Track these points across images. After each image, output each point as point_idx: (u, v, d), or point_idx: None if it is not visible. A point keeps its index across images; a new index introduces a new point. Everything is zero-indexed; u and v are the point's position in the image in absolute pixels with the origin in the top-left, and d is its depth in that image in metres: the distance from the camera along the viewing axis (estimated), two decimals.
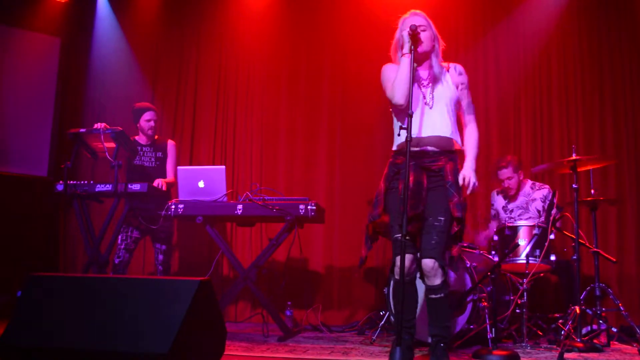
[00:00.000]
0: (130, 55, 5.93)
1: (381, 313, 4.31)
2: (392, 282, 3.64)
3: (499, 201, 4.67)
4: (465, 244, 4.11)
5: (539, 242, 3.88)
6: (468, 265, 3.73)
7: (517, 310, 3.85)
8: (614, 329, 3.86)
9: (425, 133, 2.89)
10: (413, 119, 2.71)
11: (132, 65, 5.92)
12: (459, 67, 3.05)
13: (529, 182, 4.60)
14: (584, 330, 3.71)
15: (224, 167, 4.32)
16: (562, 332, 3.57)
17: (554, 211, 3.91)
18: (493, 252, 4.12)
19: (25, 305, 2.43)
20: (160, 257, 4.56)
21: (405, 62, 2.82)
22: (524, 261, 3.88)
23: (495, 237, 4.09)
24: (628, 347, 3.78)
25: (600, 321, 3.82)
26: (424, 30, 2.91)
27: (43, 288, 2.47)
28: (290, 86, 5.72)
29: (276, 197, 4.23)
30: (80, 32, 6.00)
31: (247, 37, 5.83)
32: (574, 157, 3.81)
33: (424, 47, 2.91)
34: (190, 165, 5.57)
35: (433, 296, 2.82)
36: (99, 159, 4.24)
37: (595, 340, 3.66)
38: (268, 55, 5.77)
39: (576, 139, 5.11)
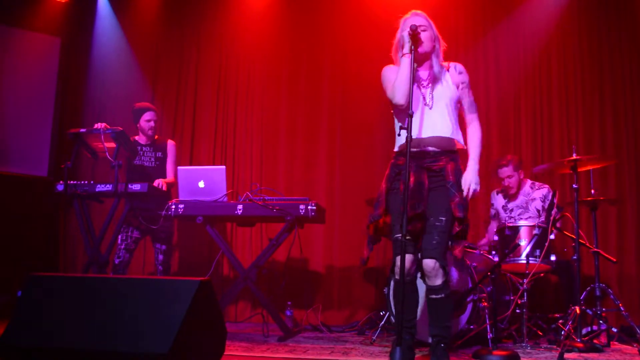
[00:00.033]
0: (130, 55, 5.93)
1: (381, 313, 4.30)
2: (392, 282, 3.64)
3: (498, 201, 4.67)
4: (466, 244, 4.11)
5: (539, 242, 3.88)
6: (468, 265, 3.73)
7: (517, 311, 3.85)
8: (614, 329, 3.86)
9: (425, 134, 2.89)
10: (413, 120, 2.71)
11: (132, 65, 5.92)
12: (459, 66, 3.04)
13: (529, 182, 4.60)
14: (584, 331, 3.71)
15: (224, 167, 4.32)
16: (562, 332, 3.57)
17: (554, 211, 3.91)
18: (493, 252, 4.12)
19: (25, 305, 2.43)
20: (160, 257, 4.56)
21: (406, 62, 2.82)
22: (524, 261, 3.88)
23: (496, 237, 4.09)
24: (628, 347, 3.78)
25: (601, 321, 3.82)
26: (424, 31, 2.91)
27: (43, 288, 2.47)
28: (290, 86, 5.72)
29: (276, 197, 4.22)
30: (80, 32, 6.00)
31: (247, 37, 5.83)
32: (574, 157, 3.81)
33: (424, 47, 2.91)
34: (191, 165, 5.57)
35: (434, 296, 2.81)
36: (99, 159, 4.24)
37: (595, 341, 3.66)
38: (268, 55, 5.77)
39: (576, 139, 5.11)
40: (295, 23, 5.75)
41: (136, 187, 3.95)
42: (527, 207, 4.51)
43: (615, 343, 3.89)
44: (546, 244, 3.83)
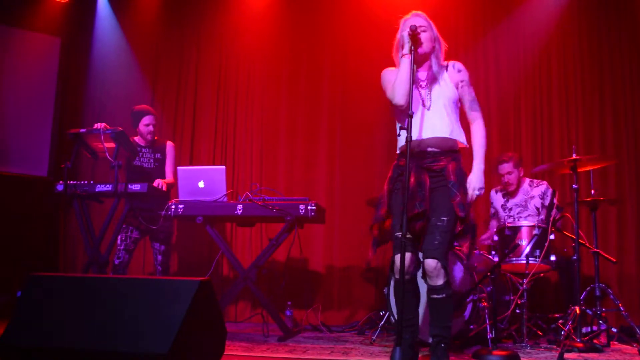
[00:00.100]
0: (130, 55, 5.93)
1: (381, 313, 4.30)
2: (392, 281, 3.64)
3: (497, 200, 4.67)
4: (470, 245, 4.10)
5: (539, 242, 3.88)
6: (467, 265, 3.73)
7: (517, 311, 3.85)
8: (614, 329, 3.86)
9: (425, 134, 2.89)
10: (413, 121, 2.71)
11: (132, 65, 5.92)
12: (458, 65, 3.03)
13: (527, 180, 4.60)
14: (583, 331, 3.70)
15: (224, 167, 4.31)
16: (562, 332, 3.57)
17: (554, 211, 3.92)
18: (493, 252, 4.12)
19: (25, 305, 2.43)
20: (159, 257, 4.55)
21: (405, 62, 2.82)
22: (524, 261, 3.88)
23: (496, 237, 4.10)
24: (628, 347, 3.78)
25: (600, 321, 3.83)
26: (424, 31, 2.91)
27: (43, 288, 2.47)
28: (290, 86, 5.72)
29: (276, 197, 4.22)
30: (80, 32, 6.00)
31: (247, 37, 5.83)
32: (574, 157, 3.81)
33: (423, 48, 2.91)
34: (191, 165, 5.57)
35: (435, 296, 2.81)
36: (99, 159, 4.23)
37: (595, 341, 3.66)
38: (268, 55, 5.77)
39: (576, 139, 5.12)
40: (295, 23, 5.75)
41: (136, 187, 3.95)
42: (526, 205, 4.51)
43: (615, 343, 3.89)
44: (546, 244, 3.83)
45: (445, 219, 2.81)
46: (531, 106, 5.30)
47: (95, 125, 4.05)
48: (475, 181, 2.89)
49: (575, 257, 3.77)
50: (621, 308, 3.90)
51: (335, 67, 5.64)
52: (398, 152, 2.98)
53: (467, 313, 3.66)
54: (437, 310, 2.84)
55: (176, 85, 5.88)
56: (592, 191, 4.10)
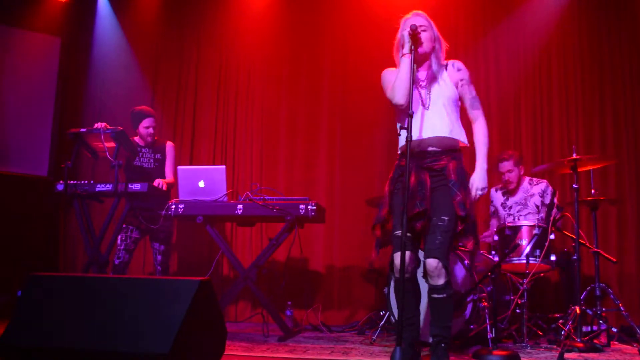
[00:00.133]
0: (131, 55, 5.93)
1: (381, 313, 4.30)
2: (392, 281, 3.64)
3: (497, 198, 4.67)
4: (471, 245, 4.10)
5: (539, 242, 3.88)
6: (468, 265, 3.73)
7: (517, 310, 3.85)
8: (614, 329, 3.86)
9: (425, 134, 2.89)
10: (413, 121, 2.71)
11: (132, 65, 5.92)
12: (457, 64, 3.03)
13: (527, 179, 4.60)
14: (584, 330, 3.70)
15: (224, 166, 4.31)
16: (562, 332, 3.57)
17: (554, 211, 3.92)
18: (493, 252, 4.12)
19: (25, 305, 2.43)
20: (159, 257, 4.55)
21: (406, 62, 2.82)
22: (524, 261, 3.88)
23: (496, 237, 4.10)
24: (628, 347, 3.78)
25: (601, 321, 3.82)
26: (424, 31, 2.91)
27: (43, 288, 2.47)
28: (290, 86, 5.72)
29: (276, 197, 4.22)
30: (80, 32, 6.00)
31: (247, 37, 5.83)
32: (574, 157, 3.81)
33: (423, 48, 2.91)
34: (191, 165, 5.57)
35: (436, 296, 2.81)
36: (99, 158, 4.23)
37: (595, 341, 3.66)
38: (268, 55, 5.77)
39: (576, 139, 5.12)
40: (295, 23, 5.75)
41: (136, 186, 3.95)
42: (526, 203, 4.51)
43: (615, 343, 3.89)
44: (546, 244, 3.83)
45: (446, 218, 2.81)
46: (531, 106, 5.30)
47: (96, 125, 4.05)
48: (478, 181, 2.90)
49: (575, 257, 3.77)
50: (621, 308, 3.90)
51: (336, 67, 5.64)
52: (399, 152, 2.98)
53: (467, 313, 3.66)
54: (437, 310, 2.83)
55: (176, 85, 5.88)
56: (593, 191, 4.10)
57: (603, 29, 5.28)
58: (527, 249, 3.89)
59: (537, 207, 4.46)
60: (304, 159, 5.58)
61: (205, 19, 5.93)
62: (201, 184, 4.16)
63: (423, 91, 2.95)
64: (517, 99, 5.34)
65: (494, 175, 4.68)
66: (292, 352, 3.40)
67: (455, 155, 2.94)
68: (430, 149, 2.92)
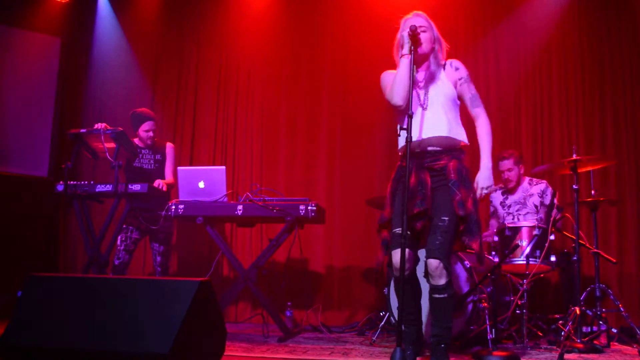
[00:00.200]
0: (130, 55, 5.93)
1: (381, 314, 4.30)
2: (392, 280, 3.65)
3: (496, 197, 4.67)
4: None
5: (539, 242, 3.88)
6: (468, 266, 3.73)
7: (517, 311, 3.84)
8: (614, 330, 3.86)
9: (424, 134, 2.90)
10: (412, 121, 2.71)
11: (132, 65, 5.92)
12: (455, 63, 3.03)
13: (527, 179, 4.60)
14: (584, 331, 3.70)
15: (224, 167, 4.31)
16: (562, 333, 3.57)
17: (554, 212, 3.91)
18: (493, 253, 4.12)
19: (25, 305, 2.43)
20: (159, 258, 4.55)
21: (405, 63, 2.82)
22: (524, 262, 3.87)
23: (496, 238, 4.09)
24: (628, 348, 3.78)
25: (600, 322, 3.82)
26: (424, 32, 2.91)
27: (43, 288, 2.47)
28: (290, 86, 5.72)
29: (276, 197, 4.22)
30: (80, 32, 6.00)
31: (247, 37, 5.83)
32: (574, 157, 3.81)
33: (423, 48, 2.91)
34: (191, 165, 5.57)
35: (436, 296, 2.81)
36: (99, 159, 4.23)
37: (595, 341, 3.66)
38: (268, 55, 5.77)
39: (576, 139, 5.11)
40: (296, 23, 5.75)
41: (136, 187, 3.95)
42: (525, 202, 4.51)
43: (615, 344, 3.88)
44: (546, 244, 3.83)
45: (446, 219, 2.81)
46: (531, 106, 5.30)
47: (96, 126, 4.05)
48: (482, 180, 2.90)
49: (575, 258, 3.77)
50: (621, 309, 3.90)
51: (336, 67, 5.64)
52: (401, 153, 2.98)
53: (467, 313, 3.66)
54: (438, 310, 2.83)
55: (176, 85, 5.88)
56: (593, 191, 4.10)
57: (603, 29, 5.28)
58: (527, 250, 3.89)
59: (536, 207, 4.46)
60: (304, 159, 5.57)
61: (205, 19, 5.93)
62: (201, 184, 4.16)
63: (421, 92, 2.95)
64: (517, 99, 5.34)
65: (494, 173, 4.68)
66: (292, 353, 3.40)
67: (456, 154, 2.94)
68: (430, 148, 2.92)
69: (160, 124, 5.45)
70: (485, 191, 2.90)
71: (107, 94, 5.87)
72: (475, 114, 3.02)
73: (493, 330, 3.40)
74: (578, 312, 3.58)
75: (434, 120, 2.90)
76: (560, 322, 3.78)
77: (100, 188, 4.00)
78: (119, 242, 4.41)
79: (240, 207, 4.07)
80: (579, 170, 3.86)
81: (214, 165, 5.54)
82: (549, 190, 4.44)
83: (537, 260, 3.85)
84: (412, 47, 2.79)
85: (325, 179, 5.50)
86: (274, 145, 5.65)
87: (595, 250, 4.01)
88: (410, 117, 2.69)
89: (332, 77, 5.64)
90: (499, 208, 4.63)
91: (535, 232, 3.90)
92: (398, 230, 2.75)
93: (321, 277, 5.37)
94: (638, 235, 4.98)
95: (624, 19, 5.27)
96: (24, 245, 5.42)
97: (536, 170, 4.26)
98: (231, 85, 5.82)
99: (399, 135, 2.90)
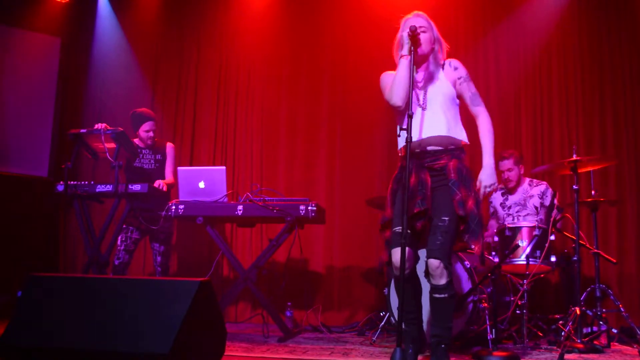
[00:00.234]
0: (130, 55, 5.93)
1: (381, 314, 4.30)
2: (392, 280, 3.65)
3: (496, 198, 4.67)
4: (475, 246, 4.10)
5: (539, 243, 3.88)
6: (468, 266, 3.73)
7: (518, 311, 3.84)
8: (614, 330, 3.86)
9: (424, 134, 2.90)
10: (412, 121, 2.71)
11: (132, 65, 5.92)
12: (454, 62, 3.02)
13: (528, 180, 4.60)
14: (584, 331, 3.70)
15: (224, 167, 4.31)
16: (563, 333, 3.57)
17: (554, 212, 3.91)
18: (493, 253, 4.12)
19: (25, 305, 2.43)
20: (159, 258, 4.55)
21: (404, 63, 2.82)
22: (524, 262, 3.87)
23: (496, 238, 4.09)
24: (628, 348, 3.77)
25: (601, 322, 3.82)
26: (424, 32, 2.91)
27: (43, 288, 2.47)
28: (290, 86, 5.72)
29: (276, 197, 4.22)
30: (80, 32, 6.00)
31: (247, 37, 5.83)
32: (574, 158, 3.80)
33: (423, 49, 2.91)
34: (191, 165, 5.57)
35: (437, 295, 2.81)
36: (99, 159, 4.23)
37: (595, 342, 3.66)
38: (268, 55, 5.77)
39: (576, 139, 5.11)
40: (295, 23, 5.75)
41: (136, 187, 3.94)
42: (525, 204, 4.51)
43: (616, 344, 3.88)
44: (546, 245, 3.82)
45: (446, 219, 2.81)
46: (531, 106, 5.30)
47: (96, 126, 4.05)
48: (485, 178, 2.90)
49: (575, 258, 3.77)
50: (621, 309, 3.90)
51: (336, 67, 5.64)
52: (401, 154, 2.98)
53: (467, 314, 3.66)
54: (439, 310, 2.83)
55: (176, 85, 5.88)
56: (593, 192, 4.09)
57: (603, 29, 5.28)
58: (528, 250, 3.89)
59: (536, 208, 4.46)
60: (304, 159, 5.57)
61: (205, 19, 5.93)
62: (201, 184, 4.16)
63: (420, 92, 2.95)
64: (517, 99, 5.34)
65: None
66: (292, 353, 3.40)
67: (456, 153, 2.94)
68: (429, 148, 2.92)
69: (160, 124, 5.45)
70: (488, 189, 2.89)
71: (107, 94, 5.87)
72: (476, 113, 3.02)
73: (493, 330, 3.40)
74: (578, 312, 3.58)
75: (433, 120, 2.90)
76: (561, 322, 3.78)
77: (100, 188, 4.00)
78: (119, 242, 4.41)
79: (240, 207, 4.07)
80: (579, 171, 3.86)
81: (214, 165, 5.54)
82: (549, 192, 4.44)
83: (538, 260, 3.85)
84: (412, 48, 2.79)
85: (325, 179, 5.50)
86: (274, 145, 5.65)
87: (596, 250, 4.01)
88: (410, 117, 2.69)
89: (332, 77, 5.64)
90: (499, 209, 4.63)
91: (536, 232, 3.90)
92: (398, 228, 2.75)
93: (321, 277, 5.37)
94: (638, 235, 4.98)
95: (624, 19, 5.27)
96: (24, 245, 5.42)
97: (536, 171, 4.26)
98: (231, 85, 5.82)
99: (399, 136, 2.90)
